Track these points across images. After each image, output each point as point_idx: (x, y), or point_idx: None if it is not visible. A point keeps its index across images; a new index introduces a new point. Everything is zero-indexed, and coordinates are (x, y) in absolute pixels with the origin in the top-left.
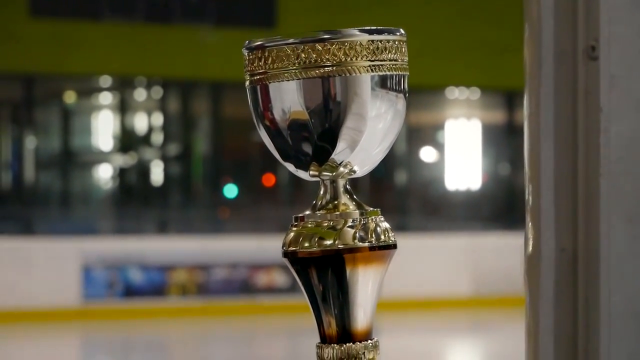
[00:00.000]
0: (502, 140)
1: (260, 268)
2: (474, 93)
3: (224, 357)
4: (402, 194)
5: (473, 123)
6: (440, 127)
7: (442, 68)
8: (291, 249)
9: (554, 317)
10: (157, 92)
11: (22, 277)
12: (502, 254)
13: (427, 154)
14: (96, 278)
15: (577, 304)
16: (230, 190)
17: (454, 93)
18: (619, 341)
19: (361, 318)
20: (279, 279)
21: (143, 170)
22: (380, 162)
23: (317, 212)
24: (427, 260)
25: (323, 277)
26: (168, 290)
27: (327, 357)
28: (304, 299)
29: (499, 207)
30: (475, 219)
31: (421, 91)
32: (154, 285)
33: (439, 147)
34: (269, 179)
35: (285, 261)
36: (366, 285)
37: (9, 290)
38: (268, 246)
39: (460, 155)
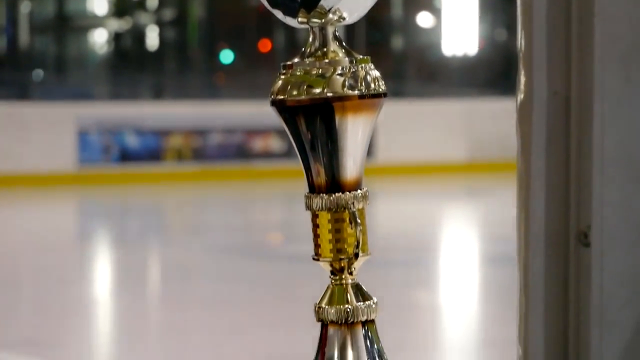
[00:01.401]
0: (499, 6)
1: (256, 133)
2: None
3: (220, 222)
4: (398, 59)
5: None
6: None
7: None
8: (279, 97)
9: (546, 161)
10: None
11: (18, 142)
12: (497, 119)
13: (423, 19)
14: (92, 143)
15: (570, 148)
16: (226, 56)
17: None
18: (611, 186)
19: (350, 167)
20: (274, 144)
21: (138, 35)
22: (377, 28)
23: (306, 60)
24: (423, 126)
25: (312, 125)
26: (164, 155)
27: (316, 207)
28: (299, 165)
29: (495, 72)
30: (472, 84)
31: None
32: (150, 150)
33: (436, 12)
34: (265, 45)
35: (274, 110)
36: (355, 134)
37: (5, 155)
38: (264, 111)
39: (457, 21)
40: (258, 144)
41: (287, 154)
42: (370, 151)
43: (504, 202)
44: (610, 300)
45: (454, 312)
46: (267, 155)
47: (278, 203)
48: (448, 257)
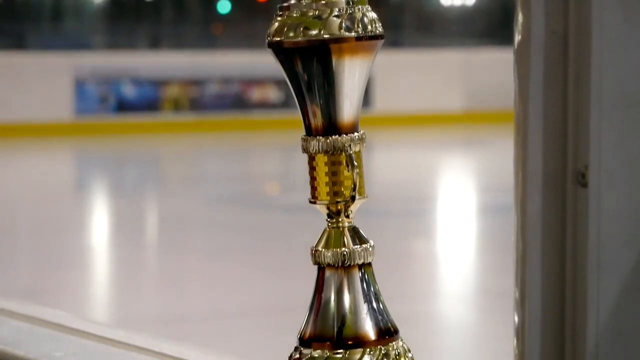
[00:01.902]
0: None
1: (254, 83)
2: None
3: (217, 172)
4: (396, 9)
5: None
6: None
7: None
8: (276, 39)
9: (544, 101)
10: None
11: (15, 92)
12: (495, 69)
13: None
14: (88, 93)
15: (567, 88)
16: (224, 6)
17: None
18: (609, 125)
19: (347, 109)
20: (272, 94)
21: None
22: None
23: (302, 1)
24: (420, 76)
25: (308, 67)
26: (161, 105)
27: (313, 150)
28: (297, 115)
29: (493, 22)
30: (469, 34)
31: None
32: (147, 100)
33: None
34: None
35: (270, 52)
36: (352, 75)
37: (1, 105)
38: (261, 62)
39: None
40: (255, 94)
41: (285, 104)
42: (367, 101)
43: (501, 152)
44: (608, 240)
45: (451, 262)
46: (265, 105)
47: (275, 153)
48: (445, 207)
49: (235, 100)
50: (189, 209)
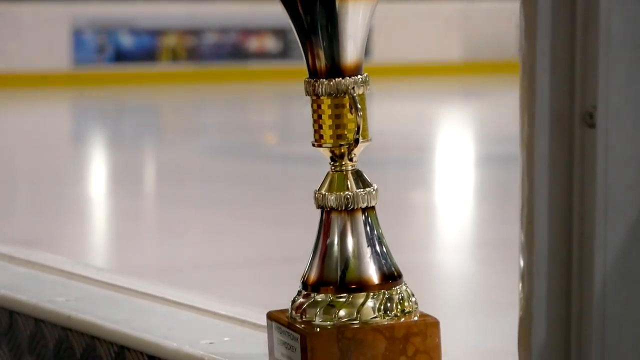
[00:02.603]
0: None
1: (252, 33)
2: None
3: (215, 123)
4: None
5: None
6: None
7: None
8: None
9: (551, 40)
10: None
11: (12, 41)
12: (494, 19)
13: None
14: (86, 42)
15: (575, 27)
16: None
17: None
18: (617, 65)
19: (351, 51)
20: (270, 44)
21: None
22: None
23: None
24: (419, 26)
25: (312, 8)
26: (159, 55)
27: (316, 92)
28: (295, 64)
29: None
30: None
31: None
32: (145, 50)
33: None
34: None
35: None
36: (356, 16)
37: None
38: (259, 11)
39: None
40: (253, 43)
41: (283, 54)
42: (366, 51)
43: (499, 102)
44: (616, 182)
45: (449, 212)
46: (263, 55)
47: (273, 103)
48: (443, 158)
49: (233, 50)
50: (186, 160)
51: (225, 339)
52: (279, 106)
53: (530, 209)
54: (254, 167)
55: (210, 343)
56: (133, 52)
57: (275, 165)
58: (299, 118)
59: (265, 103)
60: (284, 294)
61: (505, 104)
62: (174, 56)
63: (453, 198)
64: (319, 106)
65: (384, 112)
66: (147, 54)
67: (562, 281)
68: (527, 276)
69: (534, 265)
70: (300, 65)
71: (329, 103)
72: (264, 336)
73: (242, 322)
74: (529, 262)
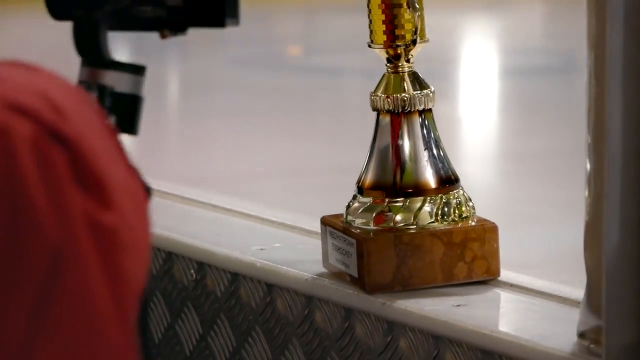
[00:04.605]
0: None
1: None
2: None
3: (239, 34)
4: None
5: None
6: None
7: None
8: None
9: None
10: None
11: None
12: None
13: None
14: None
15: None
16: None
17: None
18: None
19: None
20: None
21: None
22: None
23: None
24: None
25: None
26: None
27: None
28: None
29: None
30: None
31: None
32: None
33: None
34: None
35: None
36: None
37: None
38: None
39: None
40: None
41: None
42: None
43: (524, 14)
44: None
45: (474, 124)
46: None
47: (297, 15)
48: (467, 69)
49: None
50: (211, 71)
51: (276, 244)
52: (303, 17)
53: (602, 110)
54: (279, 79)
55: (261, 249)
56: None
57: (300, 77)
58: (322, 29)
59: (289, 14)
60: (308, 204)
61: (529, 16)
62: None
63: (477, 110)
64: (375, 6)
65: None
66: None
67: (636, 182)
68: (596, 178)
69: (606, 166)
70: None
71: (386, 2)
72: (315, 242)
73: (292, 228)
74: (596, 165)
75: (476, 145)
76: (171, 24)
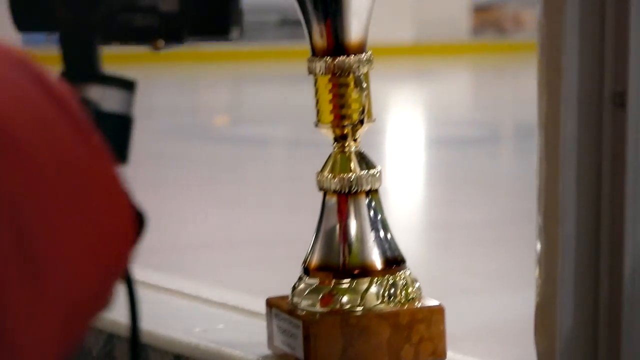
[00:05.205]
0: None
1: None
2: None
3: (167, 104)
4: None
5: None
6: None
7: None
8: None
9: (579, 19)
10: None
11: None
12: (445, 1)
13: None
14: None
15: (605, 3)
16: None
17: None
18: None
19: (355, 28)
20: None
21: None
22: None
23: None
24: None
25: None
26: None
27: (319, 71)
28: (248, 47)
29: None
30: None
31: None
32: None
33: None
34: None
35: None
36: None
37: None
38: None
39: None
40: None
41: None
42: None
43: (451, 84)
44: None
45: (401, 195)
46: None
47: (224, 85)
48: (394, 140)
49: None
50: (136, 141)
51: (220, 326)
52: (230, 88)
53: (554, 192)
54: (205, 149)
55: (204, 330)
56: None
57: (226, 147)
58: (249, 100)
59: (216, 84)
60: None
61: (457, 85)
62: None
63: (404, 181)
64: (322, 85)
65: None
66: None
67: (589, 266)
68: (547, 259)
69: (560, 249)
70: (251, 47)
71: (333, 82)
72: (259, 323)
73: (235, 309)
74: (548, 246)
75: (403, 215)
76: (165, 34)
